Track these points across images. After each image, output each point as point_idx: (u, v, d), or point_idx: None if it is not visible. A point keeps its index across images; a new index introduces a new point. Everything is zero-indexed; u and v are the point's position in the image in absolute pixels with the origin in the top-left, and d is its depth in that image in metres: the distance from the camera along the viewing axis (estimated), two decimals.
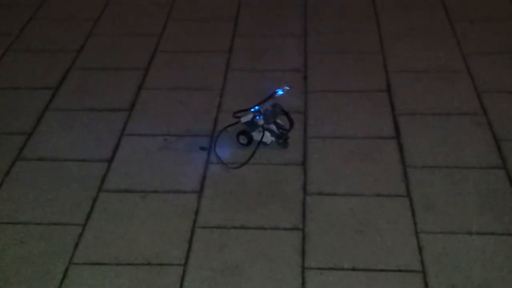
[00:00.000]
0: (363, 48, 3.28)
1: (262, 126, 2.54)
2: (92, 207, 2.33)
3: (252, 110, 2.55)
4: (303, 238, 2.18)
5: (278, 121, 2.59)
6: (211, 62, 3.20)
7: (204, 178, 2.46)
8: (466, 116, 2.75)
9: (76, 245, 2.17)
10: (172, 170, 2.50)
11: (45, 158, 2.58)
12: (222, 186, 2.42)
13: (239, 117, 2.58)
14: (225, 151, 2.56)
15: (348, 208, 2.30)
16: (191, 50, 3.32)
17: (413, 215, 2.26)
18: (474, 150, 2.55)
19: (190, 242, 2.18)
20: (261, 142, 2.54)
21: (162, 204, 2.34)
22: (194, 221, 2.26)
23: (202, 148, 2.60)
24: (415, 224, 2.23)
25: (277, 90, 2.57)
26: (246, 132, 2.58)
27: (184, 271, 2.07)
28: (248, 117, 2.55)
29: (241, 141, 2.59)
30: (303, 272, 2.06)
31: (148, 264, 2.10)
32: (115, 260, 2.11)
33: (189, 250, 2.15)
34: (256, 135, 2.56)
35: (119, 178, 2.46)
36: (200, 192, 2.39)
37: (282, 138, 2.57)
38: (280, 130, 2.57)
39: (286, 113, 2.59)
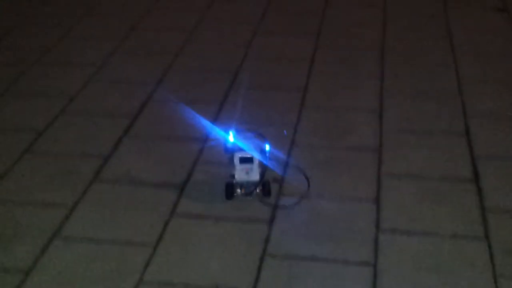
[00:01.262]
0: (442, 91, 3.24)
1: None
2: (164, 230, 2.35)
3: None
4: (375, 275, 2.12)
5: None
6: (286, 99, 3.22)
7: (275, 207, 2.44)
8: None
9: (147, 265, 2.18)
10: (243, 199, 2.50)
11: (121, 181, 2.63)
12: (294, 216, 2.39)
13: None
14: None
15: (422, 248, 2.23)
16: (265, 87, 3.36)
17: (492, 258, 2.17)
18: None
19: (259, 269, 2.15)
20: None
21: (232, 231, 2.34)
22: (264, 250, 2.24)
23: (275, 180, 2.60)
24: (493, 267, 2.13)
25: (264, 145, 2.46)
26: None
27: None
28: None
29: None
30: None
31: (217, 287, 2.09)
32: (184, 282, 2.11)
33: (257, 277, 2.12)
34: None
35: (191, 204, 2.48)
36: (270, 221, 2.38)
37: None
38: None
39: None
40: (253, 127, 2.69)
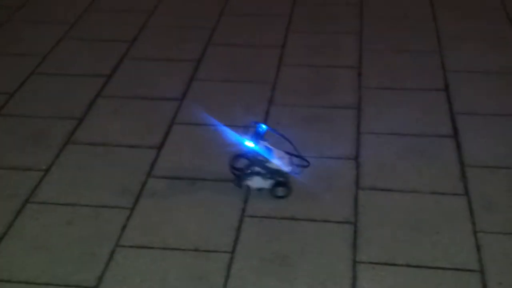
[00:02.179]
0: (421, 47, 3.19)
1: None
2: (141, 191, 2.30)
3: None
4: (355, 232, 2.11)
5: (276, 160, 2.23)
6: (264, 57, 3.16)
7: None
8: None
9: (124, 228, 2.14)
10: (221, 159, 2.45)
11: (95, 143, 2.57)
12: None
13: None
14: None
15: (403, 205, 2.21)
16: (244, 44, 3.29)
17: (472, 214, 2.16)
18: None
19: (239, 230, 2.13)
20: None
21: (211, 192, 2.30)
22: (243, 210, 2.21)
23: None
24: (473, 223, 2.12)
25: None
26: (279, 182, 2.24)
27: (231, 259, 2.02)
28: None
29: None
30: (354, 266, 1.98)
31: (196, 250, 2.05)
32: (162, 244, 2.07)
33: (237, 238, 2.10)
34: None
35: (168, 164, 2.44)
36: None
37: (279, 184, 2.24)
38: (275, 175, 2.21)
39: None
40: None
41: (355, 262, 1.99)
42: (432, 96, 2.81)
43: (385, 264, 1.98)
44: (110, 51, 3.21)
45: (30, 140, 2.58)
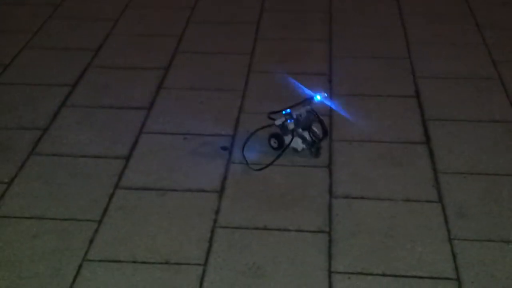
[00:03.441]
0: (391, 54, 3.19)
1: (292, 131, 2.41)
2: (109, 203, 2.23)
3: (284, 112, 2.42)
4: (330, 241, 2.07)
5: (314, 128, 2.44)
6: (233, 64, 3.12)
7: (225, 177, 2.35)
8: (498, 123, 2.64)
9: (91, 242, 2.06)
10: (192, 169, 2.40)
11: (60, 153, 2.48)
12: (244, 187, 2.31)
13: (273, 119, 2.45)
14: (253, 153, 2.45)
15: (377, 213, 2.19)
16: (212, 51, 3.24)
17: (446, 221, 2.14)
18: (508, 158, 2.44)
19: (211, 241, 2.07)
20: (289, 147, 2.42)
21: (181, 203, 2.24)
22: (215, 221, 2.15)
23: (224, 148, 2.51)
24: (448, 230, 2.10)
25: (313, 96, 2.45)
26: (278, 135, 2.45)
27: (204, 271, 1.95)
28: (281, 119, 2.42)
29: (272, 144, 2.46)
30: (330, 276, 1.94)
31: (166, 263, 1.98)
32: (131, 258, 2.00)
33: (209, 250, 2.04)
34: (288, 140, 2.43)
35: (137, 175, 2.37)
36: (221, 191, 2.29)
37: (314, 147, 2.43)
38: (313, 138, 2.42)
39: (320, 121, 2.45)
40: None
41: (330, 272, 1.95)
42: (403, 103, 2.80)
43: (361, 273, 1.95)
44: (75, 60, 3.13)
45: None
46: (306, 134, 2.43)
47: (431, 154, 2.46)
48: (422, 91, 2.87)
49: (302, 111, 2.43)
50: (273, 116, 2.46)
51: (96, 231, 2.11)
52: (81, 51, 3.21)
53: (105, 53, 3.20)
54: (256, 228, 2.12)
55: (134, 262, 1.99)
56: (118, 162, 2.43)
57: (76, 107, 2.79)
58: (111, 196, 2.26)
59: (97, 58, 3.15)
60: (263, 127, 2.47)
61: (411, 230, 2.11)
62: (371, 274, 1.94)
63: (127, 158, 2.46)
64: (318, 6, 3.69)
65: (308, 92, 2.54)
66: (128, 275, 1.94)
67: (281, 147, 2.43)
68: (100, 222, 2.15)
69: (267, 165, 2.37)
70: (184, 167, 2.41)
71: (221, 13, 3.63)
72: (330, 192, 2.28)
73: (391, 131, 2.60)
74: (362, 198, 2.25)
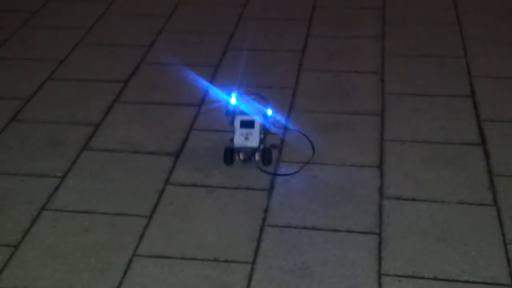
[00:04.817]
0: (445, 52, 3.11)
1: (227, 113, 2.34)
2: (159, 199, 2.25)
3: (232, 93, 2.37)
4: (380, 243, 2.03)
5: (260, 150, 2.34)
6: (284, 61, 3.10)
7: (274, 176, 2.34)
8: None
9: (141, 237, 2.09)
10: (241, 167, 2.40)
11: (112, 149, 2.52)
12: (293, 185, 2.30)
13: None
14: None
15: (429, 215, 2.14)
16: (263, 49, 3.23)
17: (501, 225, 2.08)
18: None
19: (259, 240, 2.06)
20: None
21: (230, 200, 2.24)
22: (264, 219, 2.15)
23: (273, 146, 2.49)
24: (503, 235, 2.04)
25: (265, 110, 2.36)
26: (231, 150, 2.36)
27: (252, 270, 1.95)
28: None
29: (240, 158, 2.37)
30: (379, 279, 1.91)
31: (215, 260, 1.99)
32: (180, 254, 2.01)
33: (257, 248, 2.03)
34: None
35: (187, 172, 2.38)
36: (270, 190, 2.28)
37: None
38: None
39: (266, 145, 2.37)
40: (255, 91, 2.57)
41: (380, 275, 1.92)
42: (457, 103, 2.73)
43: (412, 277, 1.91)
44: (127, 56, 3.17)
45: (46, 146, 2.53)
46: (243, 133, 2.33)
47: (487, 156, 2.39)
48: (477, 91, 2.79)
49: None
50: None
51: (146, 226, 2.13)
52: (134, 47, 3.25)
53: (157, 50, 3.23)
54: (305, 228, 2.11)
55: (183, 258, 2.00)
56: (169, 159, 2.45)
57: (128, 103, 2.82)
58: (161, 192, 2.28)
59: (149, 55, 3.18)
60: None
61: (465, 233, 2.05)
62: (422, 278, 1.90)
63: (177, 154, 2.47)
64: (371, 2, 3.63)
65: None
66: (177, 271, 1.95)
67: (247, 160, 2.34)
68: (150, 217, 2.17)
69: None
70: (234, 165, 2.40)
71: (272, 10, 3.62)
72: (381, 192, 2.24)
73: (445, 132, 2.54)
74: (413, 199, 2.20)
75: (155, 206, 2.22)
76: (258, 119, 2.34)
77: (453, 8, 3.52)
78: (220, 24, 3.47)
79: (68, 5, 3.72)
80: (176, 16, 3.57)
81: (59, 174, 2.37)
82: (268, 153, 2.36)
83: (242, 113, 2.35)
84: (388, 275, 1.92)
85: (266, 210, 2.18)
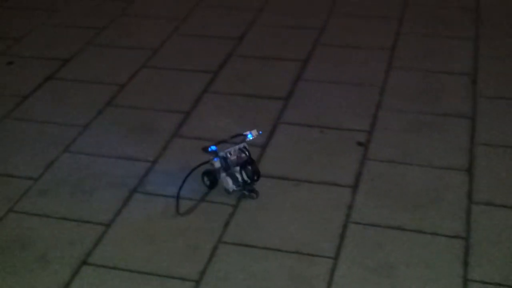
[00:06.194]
0: None
1: (220, 170, 2.21)
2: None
3: (209, 149, 2.21)
4: (466, 248, 2.00)
5: (249, 167, 2.20)
6: (373, 59, 3.09)
7: (360, 173, 2.34)
8: None
9: (226, 225, 2.14)
10: (327, 162, 2.41)
11: (200, 137, 2.58)
12: (379, 184, 2.29)
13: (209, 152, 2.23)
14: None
15: None
16: (352, 45, 3.22)
17: None
18: None
19: (342, 236, 2.07)
20: (223, 187, 2.23)
21: (315, 195, 2.26)
22: (348, 216, 2.15)
23: (359, 144, 2.49)
24: None
25: (247, 134, 2.23)
26: (209, 172, 2.25)
27: (334, 265, 1.96)
28: (209, 157, 2.23)
29: (205, 182, 2.26)
30: (465, 284, 1.88)
31: (297, 252, 2.01)
32: (264, 244, 2.05)
33: (340, 244, 2.04)
34: (221, 177, 2.23)
35: (273, 164, 2.41)
36: (355, 187, 2.28)
37: (246, 189, 2.22)
38: (245, 179, 2.20)
39: (250, 162, 2.21)
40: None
41: (466, 280, 1.89)
42: None
43: (499, 284, 1.87)
44: (218, 48, 3.23)
45: (138, 131, 2.63)
46: (237, 174, 2.20)
47: None
48: None
49: (233, 148, 2.23)
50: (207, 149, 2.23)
51: (232, 214, 2.18)
52: (225, 39, 3.31)
53: (248, 42, 3.28)
54: (390, 227, 2.10)
55: (266, 248, 2.03)
56: (255, 150, 2.48)
57: (217, 93, 2.88)
58: None
59: (240, 47, 3.24)
60: (200, 165, 2.27)
61: None
62: (510, 286, 1.86)
63: (264, 146, 2.51)
64: (465, 2, 3.55)
65: None
66: (260, 260, 1.99)
67: (213, 186, 2.25)
68: (236, 206, 2.21)
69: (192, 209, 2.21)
70: (319, 159, 2.42)
71: (363, 7, 3.60)
72: (470, 197, 2.20)
73: None
74: (504, 206, 2.15)
75: (240, 197, 2.26)
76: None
77: None
78: (310, 19, 3.48)
79: None
80: (267, 9, 3.61)
81: (150, 159, 2.46)
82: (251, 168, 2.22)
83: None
84: (475, 281, 1.89)
85: (350, 207, 2.19)
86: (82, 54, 3.22)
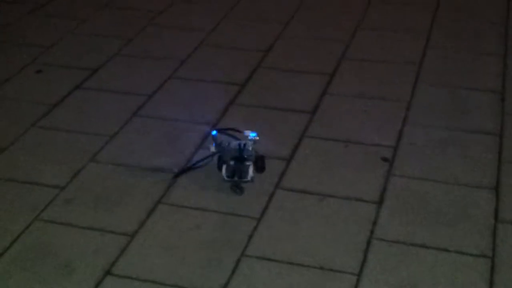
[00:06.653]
0: None
1: (213, 154, 2.36)
2: (268, 202, 2.29)
3: (211, 133, 2.39)
4: (492, 268, 1.97)
5: (247, 163, 2.30)
6: (400, 73, 3.07)
7: (384, 189, 2.33)
8: None
9: (250, 238, 2.14)
10: (352, 177, 2.40)
11: None
12: (403, 200, 2.28)
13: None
14: None
15: None
16: (379, 59, 3.21)
17: None
18: None
19: (366, 252, 2.06)
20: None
21: (338, 210, 2.25)
22: (372, 232, 2.14)
23: (384, 159, 2.48)
24: None
25: (248, 133, 2.34)
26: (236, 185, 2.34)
27: (357, 281, 1.95)
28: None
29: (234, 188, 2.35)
30: None
31: (321, 268, 2.01)
32: (287, 259, 2.05)
33: (364, 260, 2.03)
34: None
35: (297, 177, 2.41)
36: (379, 203, 2.27)
37: (232, 182, 2.32)
38: (233, 173, 2.30)
39: (238, 161, 2.30)
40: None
41: None
42: None
43: None
44: (245, 60, 3.25)
45: (164, 142, 2.65)
46: (231, 166, 2.31)
47: None
48: None
49: (233, 142, 2.33)
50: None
51: (255, 228, 2.18)
52: (252, 51, 3.32)
53: (274, 55, 3.29)
54: (413, 245, 2.08)
55: (289, 263, 2.03)
56: (279, 163, 2.49)
57: (243, 105, 2.89)
58: (271, 196, 2.33)
59: (267, 59, 3.25)
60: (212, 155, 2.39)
61: None
62: None
63: (289, 160, 2.51)
64: (494, 17, 3.52)
65: None
66: (284, 275, 1.99)
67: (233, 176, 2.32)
68: (259, 220, 2.22)
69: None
70: (344, 174, 2.42)
71: (390, 20, 3.59)
72: (496, 216, 2.18)
73: None
74: None
75: (265, 208, 2.27)
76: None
77: None
78: (337, 32, 3.48)
79: (191, 7, 3.86)
80: (294, 22, 3.62)
81: (175, 171, 2.47)
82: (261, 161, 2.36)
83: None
84: None
85: (374, 223, 2.18)
86: (110, 64, 3.26)
